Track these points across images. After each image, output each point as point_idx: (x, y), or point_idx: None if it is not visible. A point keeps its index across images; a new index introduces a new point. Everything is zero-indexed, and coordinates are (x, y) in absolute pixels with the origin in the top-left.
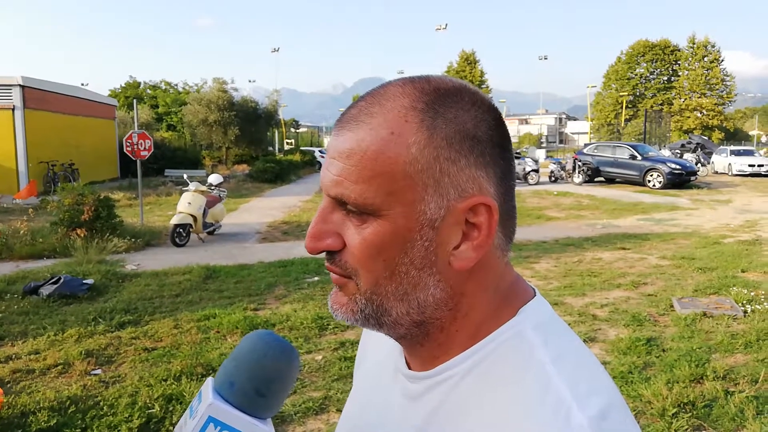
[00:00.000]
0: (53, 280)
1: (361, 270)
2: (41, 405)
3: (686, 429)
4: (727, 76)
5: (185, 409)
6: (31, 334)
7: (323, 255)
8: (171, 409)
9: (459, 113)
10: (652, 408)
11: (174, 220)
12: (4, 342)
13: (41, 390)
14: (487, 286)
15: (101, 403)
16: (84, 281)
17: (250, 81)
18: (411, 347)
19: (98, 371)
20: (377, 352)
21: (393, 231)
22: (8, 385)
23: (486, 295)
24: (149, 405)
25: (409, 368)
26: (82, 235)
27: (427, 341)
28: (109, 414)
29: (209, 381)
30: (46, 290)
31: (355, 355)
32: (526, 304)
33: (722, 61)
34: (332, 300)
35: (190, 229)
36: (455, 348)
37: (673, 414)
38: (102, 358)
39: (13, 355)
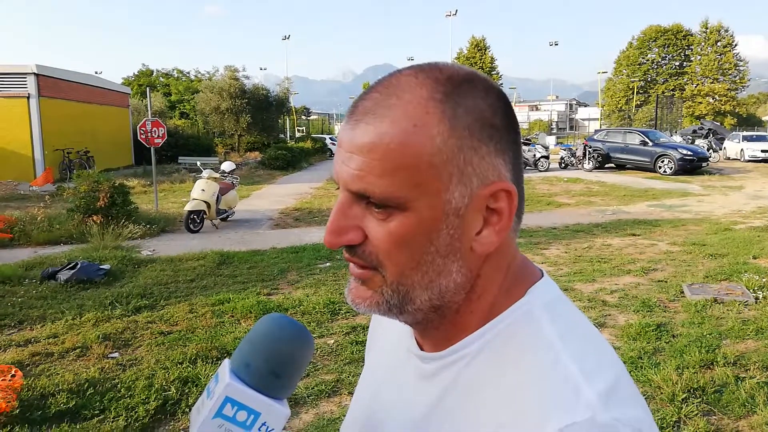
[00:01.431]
0: (70, 266)
1: (387, 262)
2: (60, 387)
3: (696, 414)
4: (741, 61)
5: (201, 392)
6: (49, 318)
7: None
8: (187, 391)
9: (476, 102)
10: (661, 393)
11: (188, 207)
12: (24, 326)
13: (60, 373)
14: (501, 267)
15: (119, 386)
16: (100, 267)
17: (261, 69)
18: (425, 330)
19: (115, 354)
20: (388, 334)
21: (419, 222)
22: (28, 368)
23: (499, 275)
24: (165, 387)
25: (421, 349)
26: (98, 221)
27: (442, 324)
28: (126, 396)
29: (226, 362)
30: (63, 275)
31: (366, 339)
32: (534, 284)
33: (735, 45)
34: (353, 294)
35: (204, 216)
36: (468, 328)
37: (682, 399)
38: (119, 341)
39: (33, 339)
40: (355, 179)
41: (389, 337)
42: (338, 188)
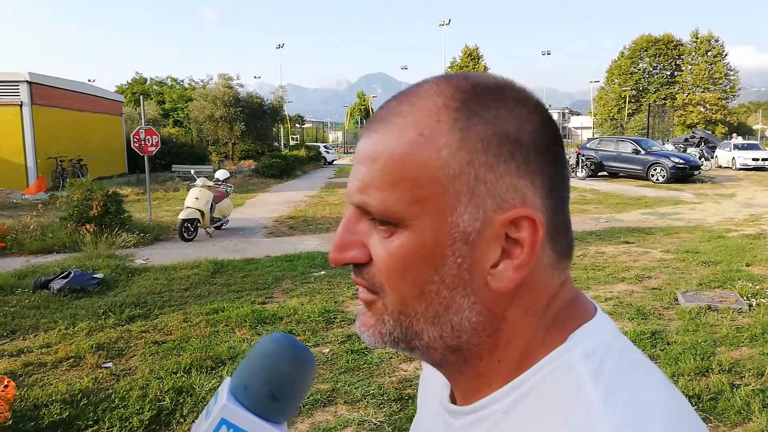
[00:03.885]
0: (63, 275)
1: (387, 287)
2: (53, 398)
3: None
4: (731, 70)
5: (195, 402)
6: (42, 327)
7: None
8: (181, 401)
9: (499, 113)
10: None
11: (182, 215)
12: (16, 336)
13: (53, 383)
14: (533, 310)
15: (112, 396)
16: (94, 275)
17: (255, 77)
18: (452, 376)
19: (109, 364)
20: (431, 379)
21: (420, 244)
22: (20, 378)
23: (532, 320)
24: (160, 397)
25: (453, 400)
26: (92, 230)
27: (467, 370)
28: (120, 406)
29: (226, 381)
30: (56, 284)
31: (362, 348)
32: (581, 326)
33: (726, 55)
34: (360, 321)
35: (198, 224)
36: (497, 380)
37: None
38: (113, 351)
39: (25, 349)
40: (358, 191)
41: (431, 387)
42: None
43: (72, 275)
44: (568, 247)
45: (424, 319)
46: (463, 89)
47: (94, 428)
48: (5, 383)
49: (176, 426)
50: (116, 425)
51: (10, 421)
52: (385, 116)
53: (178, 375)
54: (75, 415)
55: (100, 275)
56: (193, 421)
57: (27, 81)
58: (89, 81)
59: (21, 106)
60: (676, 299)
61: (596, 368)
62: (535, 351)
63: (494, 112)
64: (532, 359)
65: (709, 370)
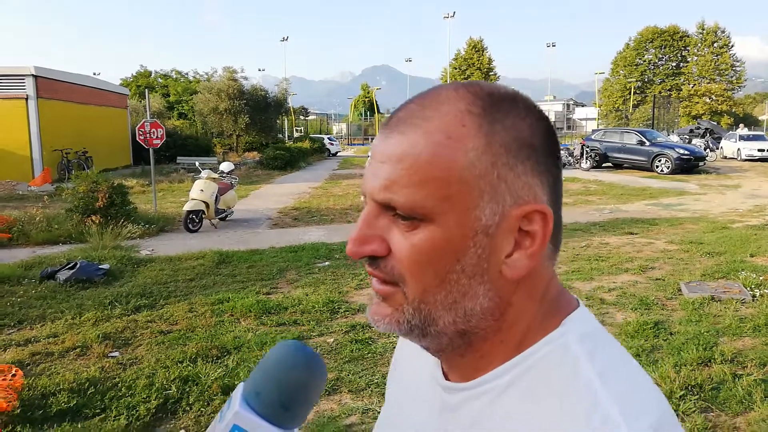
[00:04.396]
0: (70, 266)
1: (409, 278)
2: (61, 387)
3: (694, 411)
4: (737, 61)
5: (201, 390)
6: (49, 317)
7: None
8: (187, 390)
9: (516, 121)
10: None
11: (187, 207)
12: (23, 326)
13: (60, 372)
14: (534, 296)
15: (119, 385)
16: (100, 266)
17: (259, 70)
18: (451, 359)
19: (116, 353)
20: (411, 362)
21: (445, 237)
22: (28, 368)
23: (533, 305)
24: (166, 386)
25: (447, 379)
26: (97, 221)
27: (469, 352)
28: (127, 395)
29: (240, 387)
30: (62, 275)
31: (366, 338)
32: (570, 314)
33: (732, 46)
34: (373, 311)
35: (203, 216)
36: (497, 359)
37: (680, 396)
38: (119, 340)
39: (32, 338)
40: (383, 189)
41: (413, 369)
42: (364, 199)
43: (78, 266)
44: (560, 241)
45: (443, 306)
46: (480, 96)
47: (101, 416)
48: (13, 372)
49: (182, 414)
50: (123, 413)
51: (19, 410)
52: (407, 118)
53: (184, 364)
54: (82, 404)
55: (105, 266)
56: (199, 410)
57: (33, 75)
58: (95, 74)
59: (27, 99)
60: (680, 290)
61: (591, 350)
62: (533, 333)
63: (512, 120)
64: (531, 340)
65: (712, 360)
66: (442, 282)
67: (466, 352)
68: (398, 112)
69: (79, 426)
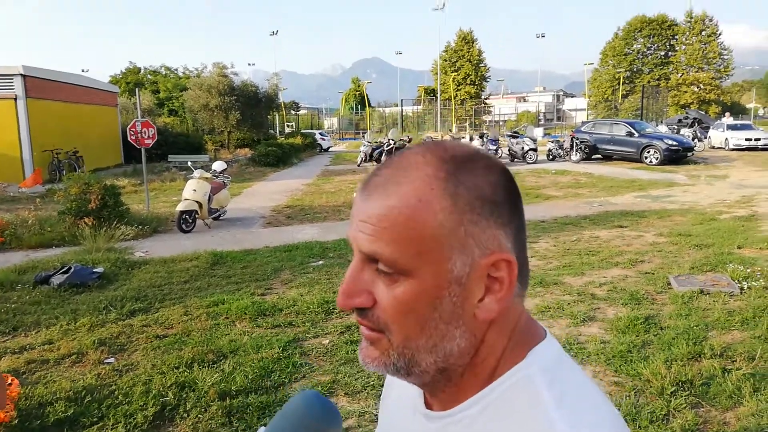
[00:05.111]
0: (64, 270)
1: (393, 326)
2: (58, 395)
3: (684, 407)
4: (725, 49)
5: (198, 397)
6: (43, 324)
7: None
8: (184, 396)
9: (477, 180)
10: (651, 387)
11: (180, 207)
12: (18, 332)
13: (57, 380)
14: (504, 332)
15: (116, 392)
16: (94, 270)
17: (249, 64)
18: (432, 391)
19: (111, 360)
20: (399, 389)
21: (423, 289)
22: (24, 376)
23: (503, 340)
24: (163, 393)
25: (429, 408)
26: (90, 223)
27: (448, 386)
28: (124, 403)
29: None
30: (56, 280)
31: (361, 339)
32: (536, 345)
33: (720, 34)
34: (363, 354)
35: (196, 216)
36: (472, 389)
37: (671, 392)
38: (115, 346)
39: (27, 346)
40: (368, 243)
41: (400, 392)
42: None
43: (72, 270)
44: (527, 277)
45: (424, 350)
46: (445, 159)
47: (99, 425)
48: (9, 381)
49: (180, 421)
50: (121, 422)
51: (17, 420)
52: (384, 183)
53: (180, 369)
54: (80, 413)
55: (100, 269)
56: (197, 417)
57: (21, 74)
58: (83, 71)
59: (16, 99)
60: (669, 283)
61: (550, 379)
62: (502, 365)
63: (473, 181)
64: (500, 371)
65: (702, 355)
66: (422, 329)
67: (445, 386)
68: (375, 177)
69: None
